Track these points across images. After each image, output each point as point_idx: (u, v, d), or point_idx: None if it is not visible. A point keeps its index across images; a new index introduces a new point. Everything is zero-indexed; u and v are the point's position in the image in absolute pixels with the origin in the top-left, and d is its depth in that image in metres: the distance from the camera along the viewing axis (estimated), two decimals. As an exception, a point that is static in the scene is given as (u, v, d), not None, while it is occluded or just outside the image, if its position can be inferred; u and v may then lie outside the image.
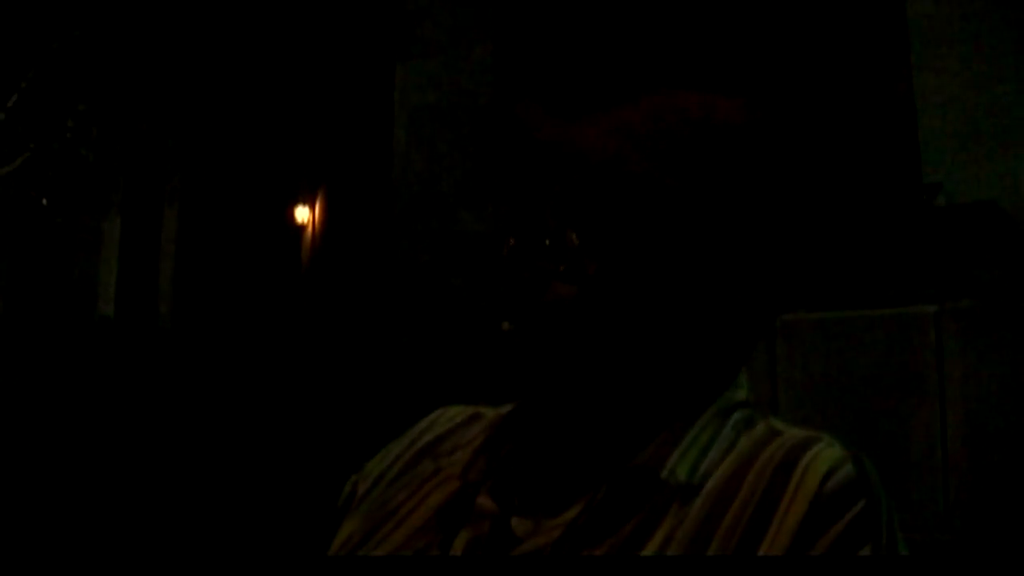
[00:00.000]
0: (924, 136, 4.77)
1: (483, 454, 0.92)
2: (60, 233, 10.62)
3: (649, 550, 0.77)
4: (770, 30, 7.85)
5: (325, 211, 10.11)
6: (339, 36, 8.52)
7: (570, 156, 0.81)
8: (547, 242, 0.81)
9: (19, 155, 8.78)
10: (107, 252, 11.22)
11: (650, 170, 0.80)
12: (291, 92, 9.33)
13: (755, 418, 0.86)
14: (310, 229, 10.41)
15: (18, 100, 8.61)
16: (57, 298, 11.20)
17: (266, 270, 9.89)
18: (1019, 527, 1.87)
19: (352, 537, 0.93)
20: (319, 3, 8.74)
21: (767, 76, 7.85)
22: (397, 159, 7.02)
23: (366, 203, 8.35)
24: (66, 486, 5.13)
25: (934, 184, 4.16)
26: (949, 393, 1.99)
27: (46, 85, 8.62)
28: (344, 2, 8.45)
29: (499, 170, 6.97)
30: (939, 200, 4.22)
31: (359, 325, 7.20)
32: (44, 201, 9.26)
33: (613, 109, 0.87)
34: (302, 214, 10.34)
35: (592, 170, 0.80)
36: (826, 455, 0.77)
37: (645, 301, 0.81)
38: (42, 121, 8.76)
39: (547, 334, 0.82)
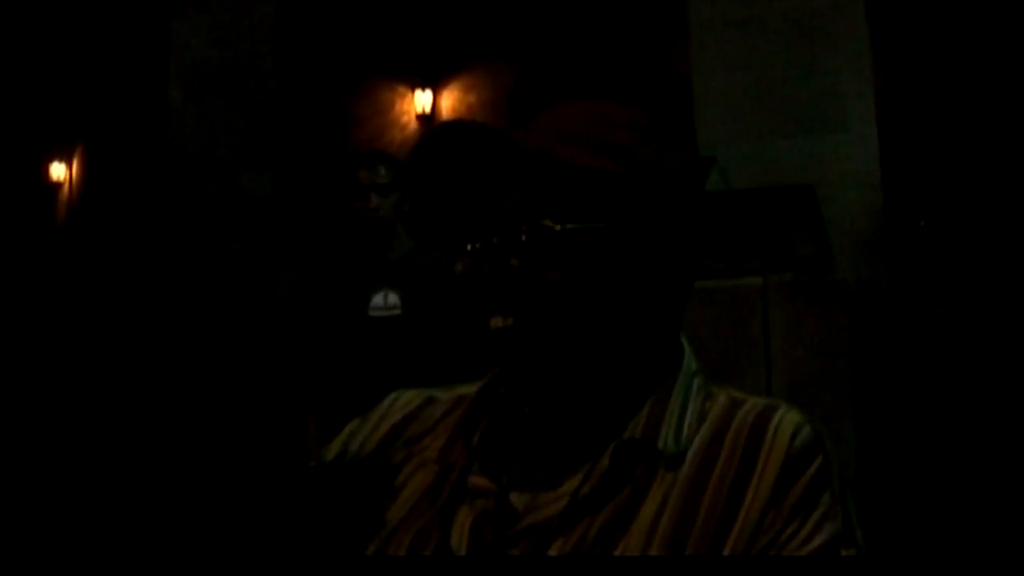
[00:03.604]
0: (697, 118, 5.01)
1: (460, 436, 0.98)
2: None
3: (645, 515, 0.87)
4: (554, 9, 8.03)
5: (84, 169, 9.59)
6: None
7: (553, 159, 0.90)
8: (523, 238, 0.89)
9: None
10: None
11: (615, 164, 0.90)
12: (51, 39, 8.77)
13: (709, 385, 0.97)
14: (67, 187, 9.86)
15: None
16: None
17: (17, 229, 9.29)
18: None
19: None
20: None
21: (547, 52, 8.05)
22: (172, 118, 6.75)
23: (133, 162, 7.99)
24: None
25: (708, 158, 4.38)
26: (773, 357, 2.19)
27: None
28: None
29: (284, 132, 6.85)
30: (714, 176, 4.43)
31: (123, 288, 6.91)
32: None
33: (554, 114, 0.96)
34: (58, 171, 9.77)
35: (552, 166, 0.90)
36: (789, 419, 0.91)
37: (616, 278, 0.91)
38: None
39: (541, 319, 0.89)
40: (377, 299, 3.09)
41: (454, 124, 0.91)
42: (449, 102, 8.71)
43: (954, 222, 5.52)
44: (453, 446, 0.97)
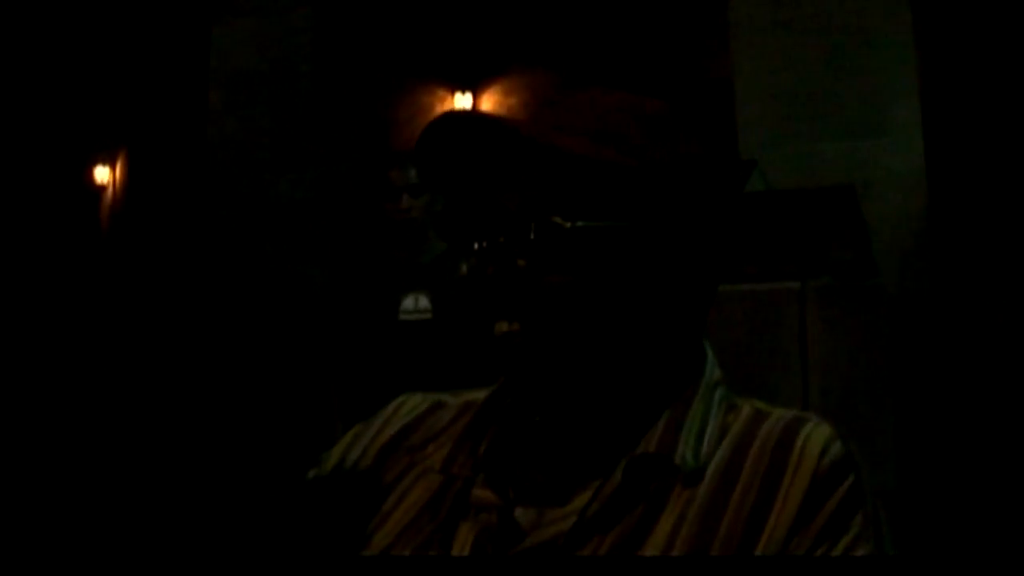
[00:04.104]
0: (739, 121, 4.97)
1: (464, 446, 0.92)
2: None
3: (660, 535, 0.80)
4: (593, 12, 8.00)
5: (127, 173, 9.68)
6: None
7: (547, 152, 0.83)
8: (532, 236, 0.83)
9: None
10: None
11: (624, 158, 0.84)
12: (93, 45, 8.86)
13: (732, 396, 0.91)
14: (110, 191, 9.95)
15: None
16: None
17: (62, 232, 9.38)
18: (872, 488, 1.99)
19: None
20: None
21: (587, 55, 8.00)
22: (212, 121, 6.79)
23: (174, 166, 8.05)
24: None
25: (749, 161, 4.32)
26: (810, 365, 2.12)
27: None
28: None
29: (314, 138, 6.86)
30: (755, 178, 4.38)
31: (167, 294, 6.95)
32: None
33: (568, 102, 0.90)
34: (102, 175, 9.86)
35: (566, 161, 0.83)
36: (818, 433, 0.84)
37: (628, 281, 0.85)
38: None
39: (548, 324, 0.84)
40: (407, 302, 3.05)
41: (451, 115, 0.86)
42: (489, 105, 8.68)
43: (1002, 227, 5.40)
44: (457, 456, 0.91)
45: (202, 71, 6.76)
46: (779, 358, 2.13)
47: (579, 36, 8.16)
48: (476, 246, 0.87)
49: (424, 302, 3.02)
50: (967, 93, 6.07)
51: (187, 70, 7.06)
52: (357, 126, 8.43)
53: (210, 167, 6.67)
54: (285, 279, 6.20)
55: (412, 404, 1.01)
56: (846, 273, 2.13)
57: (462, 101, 8.64)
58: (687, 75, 7.52)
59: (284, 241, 6.45)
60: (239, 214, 6.50)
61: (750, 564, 0.78)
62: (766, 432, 0.85)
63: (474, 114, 0.85)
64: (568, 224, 0.83)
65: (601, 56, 7.99)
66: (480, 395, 0.97)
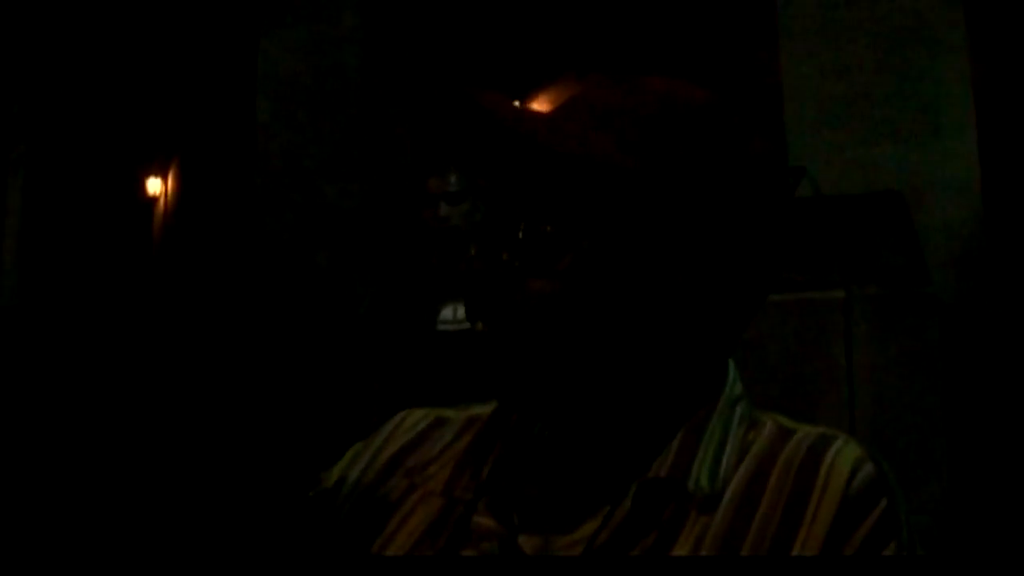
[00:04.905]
0: (787, 125, 4.90)
1: (467, 467, 0.86)
2: None
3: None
4: (642, 18, 7.94)
5: (179, 183, 9.78)
6: (199, 2, 8.24)
7: (542, 146, 0.76)
8: (520, 235, 0.78)
9: None
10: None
11: (623, 156, 0.77)
12: (145, 58, 8.97)
13: (754, 412, 0.84)
14: (162, 202, 10.07)
15: None
16: None
17: (116, 243, 9.50)
18: (923, 505, 1.93)
19: None
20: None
21: (636, 62, 7.94)
22: (261, 131, 6.83)
23: (224, 176, 8.12)
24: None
25: (798, 168, 4.25)
26: (857, 377, 2.05)
27: None
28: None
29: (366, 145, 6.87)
30: (804, 185, 4.32)
31: (219, 304, 7.00)
32: None
33: (575, 94, 0.85)
34: (154, 186, 9.98)
35: (563, 158, 0.76)
36: (846, 453, 0.76)
37: (625, 290, 0.78)
38: None
39: (523, 332, 0.78)
40: (446, 312, 3.00)
41: (458, 97, 0.80)
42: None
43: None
44: (459, 478, 0.84)
45: (251, 81, 6.81)
46: (825, 370, 2.06)
47: (628, 42, 8.10)
48: (473, 246, 0.81)
49: (463, 312, 2.98)
50: (1022, 97, 5.94)
51: (236, 80, 7.12)
52: (405, 134, 8.45)
53: (260, 176, 6.71)
54: (336, 289, 6.20)
55: (412, 421, 0.94)
56: (895, 281, 2.05)
57: (511, 110, 8.61)
58: (735, 80, 7.44)
59: (336, 250, 6.47)
60: (289, 223, 6.53)
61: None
62: (790, 452, 0.77)
63: (476, 100, 0.79)
64: (552, 228, 0.77)
65: (649, 62, 7.93)
66: (486, 409, 0.90)
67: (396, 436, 0.93)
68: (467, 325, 2.60)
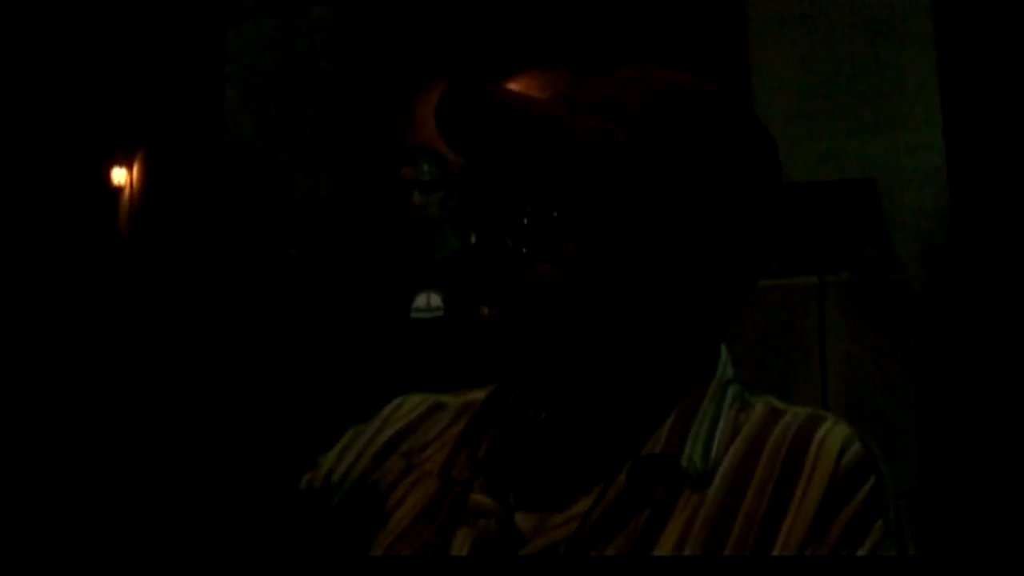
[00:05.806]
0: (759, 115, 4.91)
1: (464, 448, 0.87)
2: None
3: (666, 540, 0.75)
4: (608, 8, 7.96)
5: (144, 174, 9.71)
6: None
7: (551, 132, 0.77)
8: (525, 221, 0.79)
9: None
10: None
11: (637, 145, 0.78)
12: (111, 46, 8.88)
13: (746, 394, 0.86)
14: (127, 192, 9.99)
15: None
16: None
17: (80, 233, 9.42)
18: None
19: None
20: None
21: (604, 53, 7.96)
22: (229, 122, 6.79)
23: (191, 167, 8.07)
24: None
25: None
26: (830, 362, 2.07)
27: None
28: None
29: (341, 136, 6.85)
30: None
31: (187, 296, 6.96)
32: None
33: (586, 82, 0.86)
34: (119, 176, 9.90)
35: (571, 144, 0.77)
36: (836, 433, 0.78)
37: (630, 274, 0.79)
38: None
39: (532, 316, 0.79)
40: (420, 300, 3.01)
41: (459, 87, 0.80)
42: (506, 104, 8.66)
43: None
44: (456, 459, 0.86)
45: (219, 70, 6.76)
46: (798, 355, 2.08)
47: (594, 33, 8.12)
48: (473, 234, 0.82)
49: (437, 300, 2.98)
50: (989, 86, 6.01)
51: (204, 70, 7.07)
52: (376, 124, 8.42)
53: (228, 167, 6.67)
54: (308, 280, 6.18)
55: (410, 405, 0.96)
56: (867, 268, 2.08)
57: (480, 100, 8.60)
58: (705, 71, 7.47)
59: (307, 241, 6.44)
60: (259, 214, 6.50)
61: (762, 568, 0.74)
62: (780, 432, 0.79)
63: (479, 88, 0.80)
64: (558, 213, 0.79)
65: (616, 52, 7.95)
66: (482, 395, 0.91)
67: (393, 420, 0.95)
68: (440, 313, 2.59)
